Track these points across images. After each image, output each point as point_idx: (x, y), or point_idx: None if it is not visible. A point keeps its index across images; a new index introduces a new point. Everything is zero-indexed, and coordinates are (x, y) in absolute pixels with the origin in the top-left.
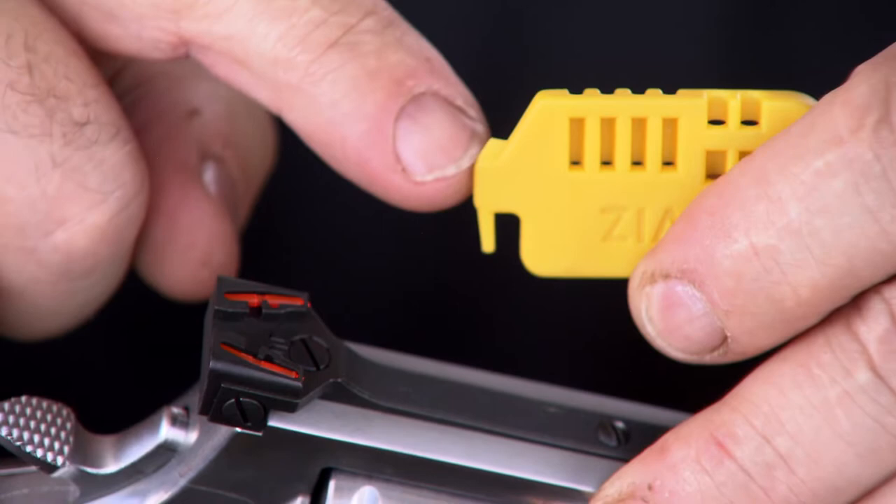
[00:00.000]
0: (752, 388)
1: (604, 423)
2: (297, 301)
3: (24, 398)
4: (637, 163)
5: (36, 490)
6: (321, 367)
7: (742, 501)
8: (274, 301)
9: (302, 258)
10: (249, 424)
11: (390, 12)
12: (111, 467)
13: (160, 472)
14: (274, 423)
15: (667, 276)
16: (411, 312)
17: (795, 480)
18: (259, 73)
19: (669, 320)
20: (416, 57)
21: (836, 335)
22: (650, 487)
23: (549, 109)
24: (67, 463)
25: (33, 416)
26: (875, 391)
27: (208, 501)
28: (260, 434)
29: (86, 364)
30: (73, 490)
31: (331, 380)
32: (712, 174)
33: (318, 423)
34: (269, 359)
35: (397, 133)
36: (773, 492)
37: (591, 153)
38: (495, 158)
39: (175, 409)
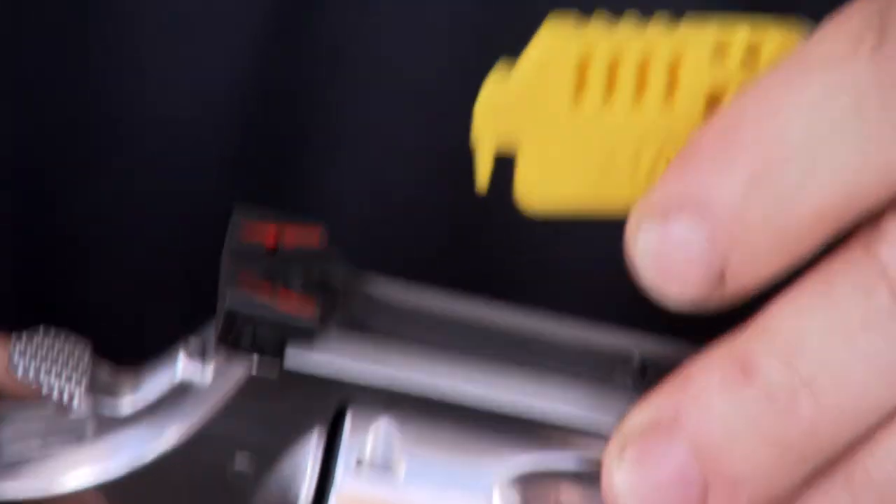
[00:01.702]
0: (773, 315)
1: (623, 357)
2: (314, 232)
3: (40, 330)
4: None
5: (52, 427)
6: (338, 299)
7: (767, 426)
8: (291, 231)
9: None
10: (266, 357)
11: None
12: (127, 404)
13: (176, 409)
14: (290, 357)
15: (665, 215)
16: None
17: (819, 404)
18: None
19: (665, 264)
20: None
21: (856, 258)
22: (674, 417)
23: (553, 40)
24: (83, 399)
25: (50, 351)
26: None
27: (225, 439)
28: (276, 369)
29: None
30: (90, 426)
31: (347, 312)
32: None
33: (334, 357)
34: (285, 290)
35: None
36: (797, 416)
37: (594, 91)
38: (498, 88)
39: (192, 345)
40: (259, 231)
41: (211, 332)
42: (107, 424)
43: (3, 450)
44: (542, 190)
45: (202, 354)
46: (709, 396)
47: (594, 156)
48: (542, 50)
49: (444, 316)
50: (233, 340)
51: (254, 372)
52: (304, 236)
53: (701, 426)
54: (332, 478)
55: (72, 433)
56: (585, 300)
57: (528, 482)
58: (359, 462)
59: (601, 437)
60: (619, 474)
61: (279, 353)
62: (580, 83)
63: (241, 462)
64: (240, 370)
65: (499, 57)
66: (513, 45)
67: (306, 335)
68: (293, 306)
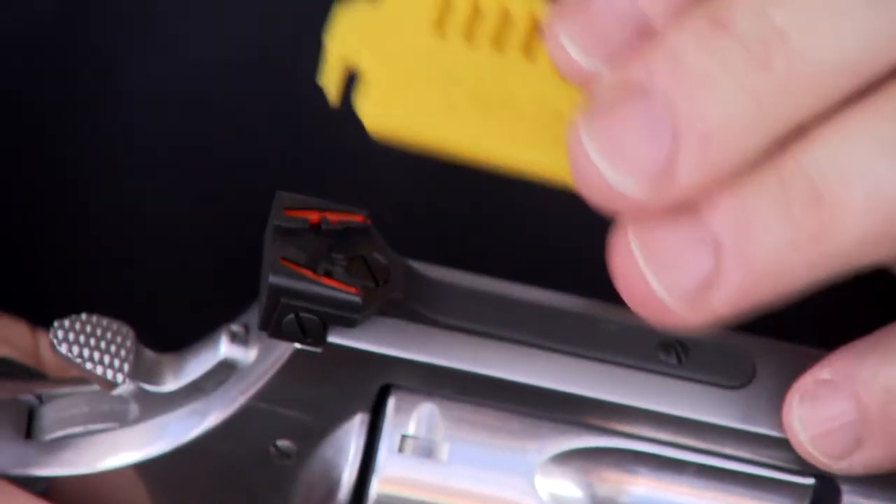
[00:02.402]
0: None
1: (664, 340)
2: (357, 217)
3: (83, 316)
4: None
5: (96, 408)
6: (380, 283)
7: (740, 74)
8: (333, 217)
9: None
10: (309, 340)
11: None
12: (171, 385)
13: (220, 390)
14: (333, 339)
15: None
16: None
17: (794, 54)
18: None
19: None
20: None
21: None
22: (647, 71)
23: None
24: (127, 380)
25: (93, 334)
26: None
27: (267, 419)
28: (319, 350)
29: (146, 286)
30: (133, 408)
31: (390, 296)
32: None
33: (377, 339)
34: (328, 274)
35: None
36: (770, 67)
37: (455, 24)
38: (358, 5)
39: (234, 327)
40: (302, 214)
41: (253, 315)
42: (149, 403)
43: (46, 428)
44: (384, 106)
45: (245, 336)
46: (681, 49)
47: (443, 84)
48: None
49: (485, 298)
50: (276, 321)
51: (297, 349)
52: (346, 220)
53: (673, 78)
54: (375, 459)
55: (115, 412)
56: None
57: (570, 460)
58: (401, 444)
59: (643, 415)
60: (585, 126)
61: (322, 337)
62: (443, 12)
63: (284, 442)
64: (283, 348)
65: None
66: None
67: (350, 317)
68: (336, 288)
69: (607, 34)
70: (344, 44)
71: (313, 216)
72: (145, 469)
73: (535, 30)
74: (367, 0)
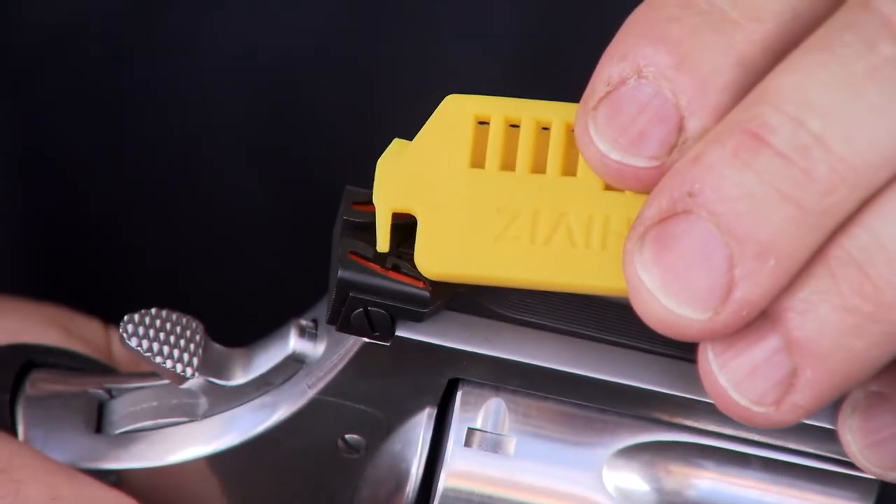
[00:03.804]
0: (776, 81)
1: None
2: None
3: (153, 310)
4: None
5: (165, 402)
6: None
7: (784, 186)
8: (401, 213)
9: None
10: (377, 334)
11: None
12: (240, 379)
13: (288, 384)
14: (401, 333)
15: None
16: None
17: (833, 158)
18: None
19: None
20: None
21: (855, 14)
22: (690, 194)
23: (456, 106)
24: (196, 374)
25: (163, 329)
26: None
27: (336, 413)
28: (387, 344)
29: (215, 280)
30: (202, 402)
31: (457, 290)
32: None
33: (445, 333)
34: (396, 268)
35: None
36: (813, 172)
37: (494, 153)
38: (397, 155)
39: (303, 321)
40: (370, 209)
41: (322, 310)
42: (218, 397)
43: (116, 422)
44: (439, 253)
45: (314, 330)
46: (722, 167)
47: (492, 216)
48: (442, 110)
49: (551, 293)
50: (344, 316)
51: (365, 343)
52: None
53: (718, 197)
54: (443, 454)
55: (183, 406)
56: None
57: (636, 454)
58: (469, 438)
59: (709, 409)
60: (640, 260)
61: (390, 331)
62: (481, 144)
63: (352, 436)
64: (351, 343)
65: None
66: (569, 47)
67: (418, 311)
68: (405, 282)
69: (639, 127)
70: (390, 198)
71: None
72: (214, 462)
73: (572, 140)
74: (402, 145)
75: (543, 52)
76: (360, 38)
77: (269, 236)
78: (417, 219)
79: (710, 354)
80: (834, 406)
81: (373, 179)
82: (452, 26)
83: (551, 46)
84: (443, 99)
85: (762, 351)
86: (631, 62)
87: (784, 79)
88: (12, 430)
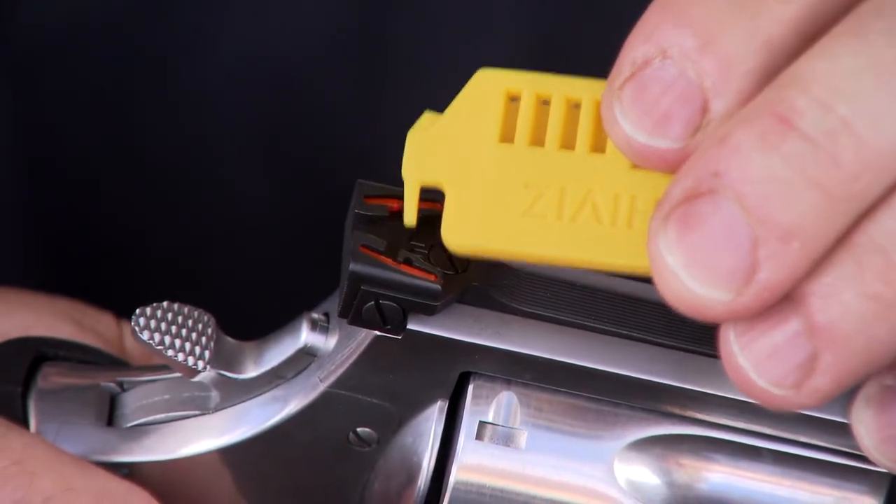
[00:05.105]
0: (806, 65)
1: None
2: (437, 205)
3: (165, 304)
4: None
5: (177, 395)
6: (459, 270)
7: (811, 171)
8: None
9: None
10: (389, 327)
11: None
12: (251, 372)
13: (300, 377)
14: (413, 326)
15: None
16: None
17: (860, 144)
18: None
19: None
20: None
21: (887, 1)
22: (716, 175)
23: (487, 80)
24: (208, 367)
25: (175, 322)
26: None
27: (347, 406)
28: (399, 337)
29: (225, 273)
30: (214, 395)
31: (469, 283)
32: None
33: (456, 326)
34: (408, 262)
35: None
36: (839, 157)
37: (523, 129)
38: (427, 128)
39: (315, 315)
40: (382, 203)
41: (334, 303)
42: (230, 390)
43: (128, 415)
44: (465, 227)
45: (325, 324)
46: (749, 149)
47: (519, 192)
48: (472, 85)
49: (563, 286)
50: (356, 309)
51: (377, 337)
52: (426, 208)
53: (744, 179)
54: (454, 447)
55: (195, 399)
56: None
57: (647, 448)
58: (480, 431)
59: (720, 402)
60: (664, 239)
61: (402, 324)
62: (510, 119)
63: (364, 429)
64: (363, 336)
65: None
66: (575, 43)
67: (429, 304)
68: (416, 276)
69: (663, 109)
70: (419, 170)
71: (393, 204)
72: (225, 455)
73: (600, 118)
74: (432, 118)
75: (546, 52)
76: (365, 38)
77: (277, 232)
78: (445, 193)
79: (732, 335)
80: (845, 399)
81: (379, 178)
82: (457, 27)
83: (554, 46)
84: (446, 100)
85: (783, 334)
86: (655, 43)
87: (814, 63)
88: (24, 423)
